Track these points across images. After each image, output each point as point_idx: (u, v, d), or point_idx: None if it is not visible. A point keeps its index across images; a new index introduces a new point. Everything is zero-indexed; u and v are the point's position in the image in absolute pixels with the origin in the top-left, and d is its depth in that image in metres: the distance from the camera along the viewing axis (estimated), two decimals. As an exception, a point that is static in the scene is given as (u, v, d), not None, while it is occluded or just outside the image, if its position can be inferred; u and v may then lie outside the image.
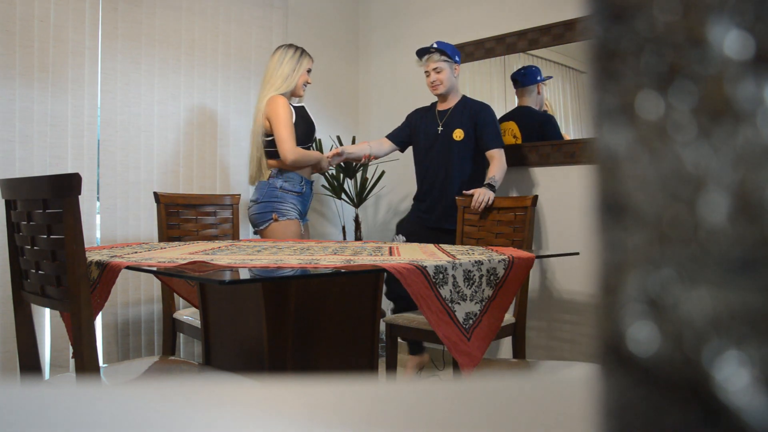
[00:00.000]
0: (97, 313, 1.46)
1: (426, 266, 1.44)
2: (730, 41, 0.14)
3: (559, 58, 3.05)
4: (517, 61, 3.18)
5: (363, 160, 3.02)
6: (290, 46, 2.84)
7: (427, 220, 3.03)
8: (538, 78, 3.05)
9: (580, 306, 2.90)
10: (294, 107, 2.78)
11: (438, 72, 2.95)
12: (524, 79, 3.10)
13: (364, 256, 1.67)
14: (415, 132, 3.10)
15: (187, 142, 3.11)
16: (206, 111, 3.19)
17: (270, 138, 2.72)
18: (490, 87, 3.30)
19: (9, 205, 1.64)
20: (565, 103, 3.06)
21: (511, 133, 3.15)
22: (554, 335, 3.00)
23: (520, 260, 1.68)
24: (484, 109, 3.02)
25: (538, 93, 3.07)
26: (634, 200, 0.16)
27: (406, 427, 0.25)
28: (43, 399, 0.27)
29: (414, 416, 0.27)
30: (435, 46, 2.96)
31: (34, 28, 2.59)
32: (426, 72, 2.97)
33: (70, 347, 1.56)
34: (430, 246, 2.20)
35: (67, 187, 1.37)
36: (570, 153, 2.95)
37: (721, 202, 0.14)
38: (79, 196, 1.39)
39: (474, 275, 1.54)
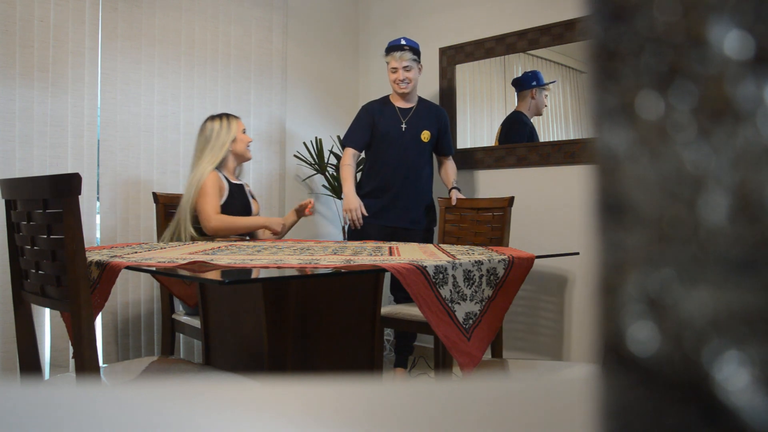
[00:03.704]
0: (97, 313, 1.46)
1: (426, 266, 1.44)
2: (730, 41, 0.14)
3: (559, 58, 3.05)
4: (517, 61, 3.18)
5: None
6: (212, 118, 2.61)
7: (385, 218, 2.92)
8: (533, 83, 3.08)
9: (579, 306, 2.90)
10: (232, 184, 2.56)
11: (408, 70, 2.92)
12: (518, 86, 3.15)
13: (364, 256, 1.67)
14: (376, 127, 3.01)
15: (187, 142, 3.11)
16: (206, 111, 3.18)
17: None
18: (490, 87, 3.30)
19: (9, 205, 1.64)
20: (565, 103, 3.06)
21: (496, 136, 3.25)
22: (553, 335, 3.00)
23: (520, 260, 1.68)
24: (445, 115, 3.08)
25: (532, 98, 3.10)
26: (634, 200, 0.16)
27: (406, 427, 0.25)
28: (43, 399, 0.27)
29: (414, 416, 0.27)
30: (405, 43, 2.92)
31: (34, 28, 2.59)
32: (393, 68, 2.93)
33: (70, 347, 1.56)
34: (430, 246, 2.20)
35: (67, 187, 1.37)
36: (570, 153, 2.96)
37: (721, 202, 0.14)
38: (79, 196, 1.39)
39: (474, 275, 1.54)
